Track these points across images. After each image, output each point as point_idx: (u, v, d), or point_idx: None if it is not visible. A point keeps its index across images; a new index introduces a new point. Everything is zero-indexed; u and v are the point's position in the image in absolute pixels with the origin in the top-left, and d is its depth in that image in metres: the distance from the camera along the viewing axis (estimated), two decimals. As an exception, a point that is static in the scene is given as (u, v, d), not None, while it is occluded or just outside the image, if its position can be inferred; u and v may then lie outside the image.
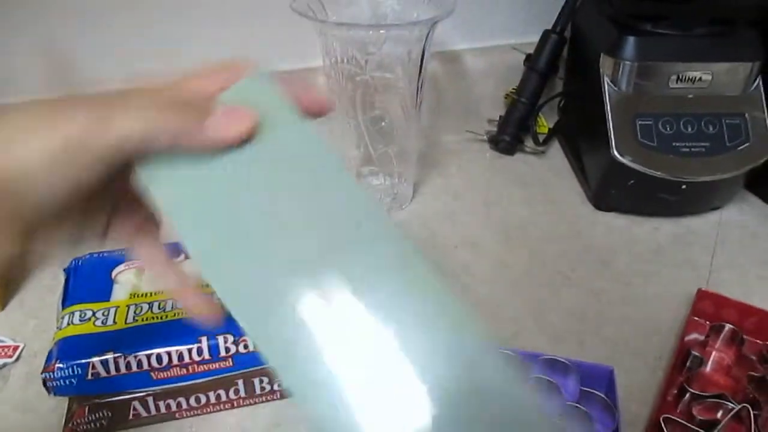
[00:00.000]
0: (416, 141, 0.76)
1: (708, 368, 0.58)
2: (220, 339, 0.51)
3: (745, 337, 0.57)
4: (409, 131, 0.73)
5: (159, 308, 0.54)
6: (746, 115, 0.71)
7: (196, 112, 0.31)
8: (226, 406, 0.54)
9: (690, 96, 0.71)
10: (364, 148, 0.75)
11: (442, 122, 0.91)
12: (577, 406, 0.50)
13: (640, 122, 0.70)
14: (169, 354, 0.50)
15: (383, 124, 0.75)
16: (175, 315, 0.53)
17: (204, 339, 0.50)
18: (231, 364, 0.51)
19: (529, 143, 0.89)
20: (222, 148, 0.32)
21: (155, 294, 0.55)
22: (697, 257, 0.71)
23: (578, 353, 0.58)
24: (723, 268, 0.70)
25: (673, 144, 0.70)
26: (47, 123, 0.29)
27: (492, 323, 0.61)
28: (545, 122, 0.91)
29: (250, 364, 0.52)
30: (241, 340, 0.51)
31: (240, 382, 0.53)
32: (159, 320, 0.52)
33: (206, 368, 0.51)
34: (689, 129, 0.70)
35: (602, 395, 0.51)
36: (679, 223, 0.76)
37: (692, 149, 0.70)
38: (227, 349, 0.51)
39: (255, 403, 0.54)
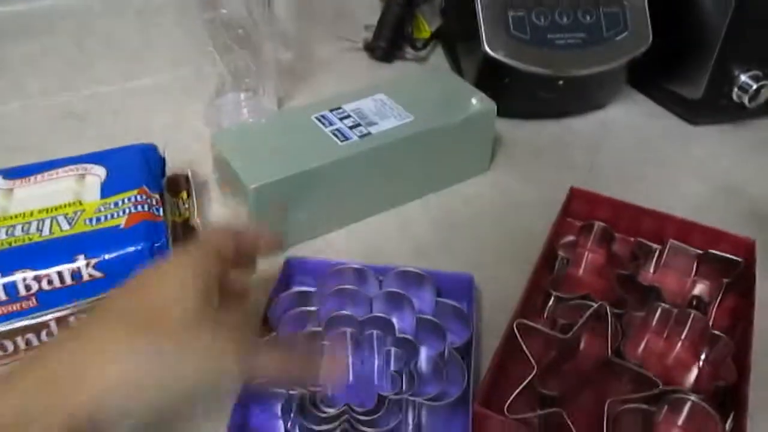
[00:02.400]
0: (273, 47, 0.68)
1: (580, 271, 0.55)
2: (18, 276, 0.43)
3: (616, 234, 0.54)
4: (261, 36, 0.65)
5: (-54, 248, 0.46)
6: (625, 2, 0.66)
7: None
8: (41, 352, 0.47)
9: (566, -17, 0.66)
10: (214, 58, 0.66)
11: (312, 30, 0.83)
12: (429, 319, 0.46)
13: (512, 14, 0.64)
14: (-45, 297, 0.43)
15: (239, 31, 0.67)
16: (-37, 253, 0.45)
17: (-2, 277, 0.43)
18: (35, 303, 0.44)
19: (409, 50, 0.82)
20: None
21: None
22: (578, 158, 0.67)
23: (448, 263, 0.54)
24: (604, 166, 0.66)
25: (548, 36, 0.65)
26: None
27: (358, 238, 0.56)
28: (427, 27, 0.85)
29: (59, 302, 0.45)
30: (44, 275, 0.44)
31: (52, 324, 0.45)
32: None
33: (6, 310, 0.44)
34: (564, 19, 0.65)
35: (456, 305, 0.47)
36: (561, 124, 0.72)
37: (568, 41, 0.65)
38: (28, 287, 0.44)
39: (75, 345, 0.47)
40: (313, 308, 0.47)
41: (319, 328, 0.46)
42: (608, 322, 0.44)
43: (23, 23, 0.70)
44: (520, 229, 0.58)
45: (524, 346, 0.43)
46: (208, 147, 0.65)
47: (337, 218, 0.57)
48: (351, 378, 0.45)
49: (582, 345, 0.47)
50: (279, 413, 0.42)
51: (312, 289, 0.49)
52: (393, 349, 0.45)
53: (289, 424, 0.42)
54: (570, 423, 0.40)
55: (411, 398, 0.41)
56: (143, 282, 0.35)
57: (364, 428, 0.40)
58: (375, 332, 0.46)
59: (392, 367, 0.45)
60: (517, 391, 0.41)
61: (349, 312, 0.47)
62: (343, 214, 0.57)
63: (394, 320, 0.46)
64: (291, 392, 0.41)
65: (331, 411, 0.41)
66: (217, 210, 0.59)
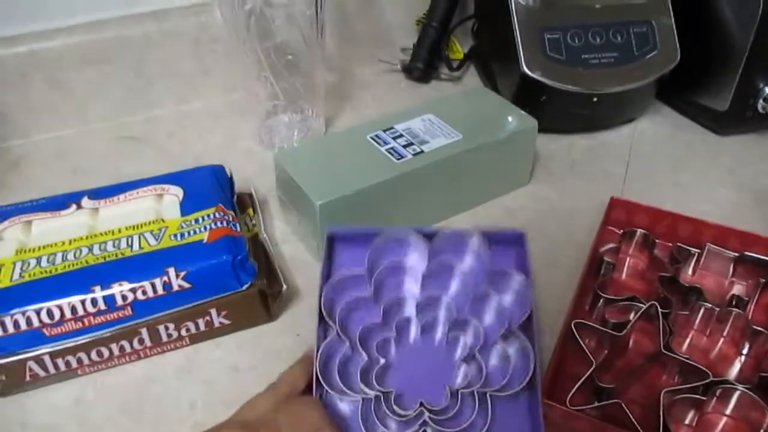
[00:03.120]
0: (323, 71, 0.72)
1: (622, 275, 0.58)
2: (115, 287, 0.48)
3: (656, 240, 0.58)
4: (313, 61, 0.70)
5: (48, 262, 0.50)
6: (653, 22, 0.71)
7: None
8: (132, 358, 0.51)
9: (597, 6, 0.70)
10: (269, 83, 0.71)
11: (353, 53, 0.88)
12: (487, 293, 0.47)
13: (548, 36, 0.69)
14: (60, 307, 0.47)
15: (289, 57, 0.71)
16: (65, 267, 0.49)
17: (97, 288, 0.47)
18: (131, 312, 0.48)
19: (444, 70, 0.87)
20: None
21: (44, 247, 0.52)
22: (612, 169, 0.71)
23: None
24: (636, 178, 0.70)
25: (582, 56, 0.69)
26: None
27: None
28: (459, 48, 0.89)
29: (152, 311, 0.49)
30: (138, 286, 0.48)
31: (144, 330, 0.50)
32: (48, 274, 0.49)
33: (104, 319, 0.48)
34: (597, 40, 0.69)
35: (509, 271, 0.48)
36: (594, 138, 0.76)
37: (601, 60, 0.69)
38: (124, 297, 0.48)
39: (163, 351, 0.51)
40: (366, 296, 0.47)
41: (378, 320, 0.46)
42: (659, 319, 0.48)
43: (86, 53, 0.75)
44: (561, 237, 0.62)
45: (583, 344, 0.47)
46: (263, 165, 0.69)
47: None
48: (418, 370, 0.46)
49: (631, 343, 0.51)
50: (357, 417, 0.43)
51: (360, 272, 0.48)
52: (458, 335, 0.47)
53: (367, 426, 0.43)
54: (630, 414, 0.43)
55: (481, 390, 0.43)
56: None
57: (442, 429, 0.42)
58: (435, 315, 0.47)
59: (457, 355, 0.46)
60: (578, 384, 0.44)
61: (405, 294, 0.48)
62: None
63: (451, 300, 0.47)
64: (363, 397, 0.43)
65: (409, 412, 0.42)
66: (280, 226, 0.64)
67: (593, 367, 0.46)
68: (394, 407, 0.43)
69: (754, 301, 0.54)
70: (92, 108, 0.78)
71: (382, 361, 0.46)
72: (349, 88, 0.85)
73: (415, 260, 0.50)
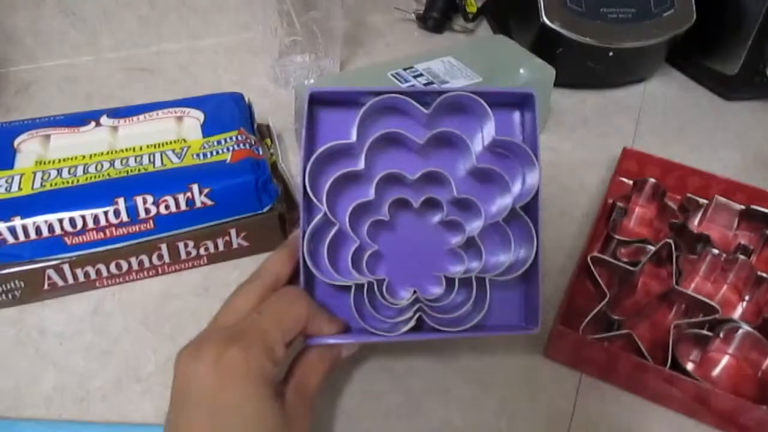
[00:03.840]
0: (340, 11, 0.72)
1: (632, 222, 0.60)
2: (139, 200, 0.48)
3: (666, 191, 0.59)
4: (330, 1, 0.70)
5: (69, 173, 0.50)
6: (672, -19, 0.71)
7: None
8: (150, 273, 0.51)
9: (618, -39, 0.71)
10: (287, 17, 0.71)
11: (368, 1, 0.87)
12: (489, 168, 0.41)
13: (569, -12, 0.69)
14: (83, 217, 0.47)
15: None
16: (87, 179, 0.49)
17: (121, 200, 0.47)
18: (152, 226, 0.49)
19: (458, 21, 0.87)
20: None
21: (64, 160, 0.51)
22: (622, 125, 0.72)
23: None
24: (645, 135, 0.71)
25: (601, 10, 0.69)
26: None
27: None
28: (473, 2, 0.89)
29: (173, 226, 0.49)
30: (162, 200, 0.48)
31: (163, 246, 0.50)
32: (69, 185, 0.49)
33: (125, 231, 0.48)
34: (617, -6, 0.70)
35: (514, 141, 0.41)
36: (605, 95, 0.77)
37: (619, 15, 0.70)
38: (147, 210, 0.48)
39: (181, 269, 0.52)
40: (358, 169, 0.40)
41: (369, 199, 0.40)
42: (672, 258, 0.49)
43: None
44: (573, 186, 0.63)
45: (597, 276, 0.48)
46: (277, 103, 0.70)
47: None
48: (413, 255, 0.42)
49: (639, 284, 0.52)
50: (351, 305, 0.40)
51: (348, 142, 0.40)
52: (455, 219, 0.41)
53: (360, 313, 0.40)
54: (640, 343, 0.45)
55: (480, 275, 0.40)
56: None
57: (436, 314, 0.39)
58: (433, 193, 0.41)
59: (456, 239, 0.42)
60: (593, 314, 0.46)
61: (400, 168, 0.40)
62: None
63: (451, 176, 0.40)
64: (357, 283, 0.39)
65: (403, 302, 0.40)
66: (296, 161, 0.64)
67: (607, 299, 0.47)
68: (387, 296, 0.40)
69: (759, 251, 0.56)
70: (104, 37, 0.77)
71: (375, 246, 0.41)
72: (363, 35, 0.85)
73: (412, 129, 0.41)
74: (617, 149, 0.63)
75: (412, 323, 0.39)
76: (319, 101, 0.41)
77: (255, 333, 0.35)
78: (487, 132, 0.42)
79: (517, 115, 0.44)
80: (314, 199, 0.40)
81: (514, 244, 0.41)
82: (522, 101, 0.44)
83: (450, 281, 0.41)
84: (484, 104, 0.40)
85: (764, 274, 0.51)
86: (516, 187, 0.42)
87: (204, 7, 0.79)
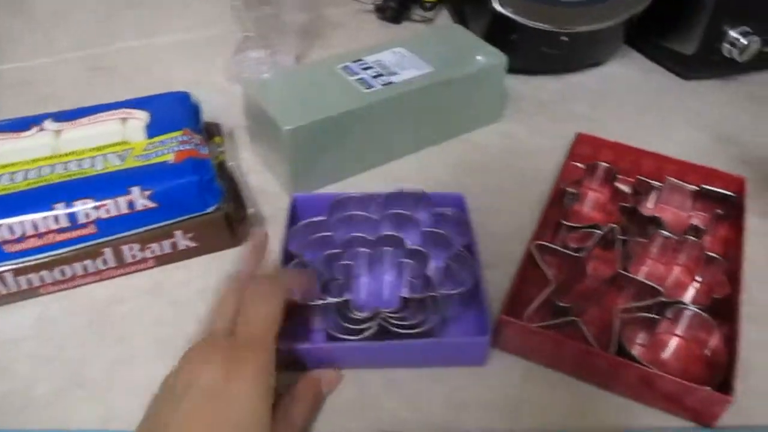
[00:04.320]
0: (293, 6, 0.71)
1: (585, 207, 0.59)
2: (79, 204, 0.47)
3: (618, 174, 0.59)
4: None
5: (9, 180, 0.49)
6: (625, -38, 0.71)
7: None
8: (96, 278, 0.51)
9: (570, -56, 0.70)
10: (239, 13, 0.70)
11: (325, -8, 0.87)
12: (434, 231, 0.52)
13: (520, -27, 0.68)
14: (22, 224, 0.46)
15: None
16: (28, 185, 0.49)
17: (60, 205, 0.47)
18: (94, 230, 0.48)
19: (417, 11, 0.86)
20: None
21: (4, 167, 0.51)
22: (580, 110, 0.72)
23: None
24: (604, 119, 0.71)
25: (554, -6, 0.69)
26: None
27: (380, 181, 0.61)
28: (433, -11, 0.88)
29: (116, 230, 0.49)
30: (102, 204, 0.48)
31: (108, 250, 0.50)
32: (9, 191, 0.48)
33: (66, 237, 0.48)
34: (569, -22, 0.69)
35: (453, 212, 0.53)
36: (564, 80, 0.76)
37: (572, -1, 0.69)
38: (87, 215, 0.48)
39: (128, 273, 0.51)
40: (329, 233, 0.51)
41: (338, 250, 0.50)
42: (616, 241, 0.49)
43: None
44: (529, 172, 0.63)
45: (541, 263, 0.48)
46: (231, 100, 0.69)
47: (362, 162, 0.61)
48: (375, 291, 0.51)
49: (589, 269, 0.52)
50: (320, 325, 0.47)
51: (322, 218, 0.52)
52: (406, 261, 0.50)
53: (327, 326, 0.46)
54: (585, 330, 0.45)
55: (431, 294, 0.46)
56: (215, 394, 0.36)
57: (396, 321, 0.45)
58: (388, 249, 0.51)
59: (408, 274, 0.50)
60: (537, 302, 0.46)
61: (362, 234, 0.51)
62: (368, 158, 0.61)
63: (403, 236, 0.51)
64: (324, 302, 0.46)
65: (365, 313, 0.45)
66: (248, 157, 0.63)
67: (552, 287, 0.47)
68: (353, 310, 0.46)
69: (712, 231, 0.56)
70: (59, 38, 0.76)
71: (341, 278, 0.49)
72: (321, 28, 0.84)
73: (370, 211, 0.54)
74: (573, 134, 0.63)
75: (374, 329, 0.45)
76: None
77: (256, 342, 0.38)
78: (428, 212, 0.54)
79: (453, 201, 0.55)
80: (293, 251, 0.49)
81: (458, 271, 0.49)
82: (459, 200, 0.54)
83: (406, 301, 0.47)
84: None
85: (714, 255, 0.51)
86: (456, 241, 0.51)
87: (160, 4, 0.78)
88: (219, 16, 0.71)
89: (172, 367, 0.37)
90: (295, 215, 0.54)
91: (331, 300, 0.46)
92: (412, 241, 0.52)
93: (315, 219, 0.53)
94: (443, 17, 0.88)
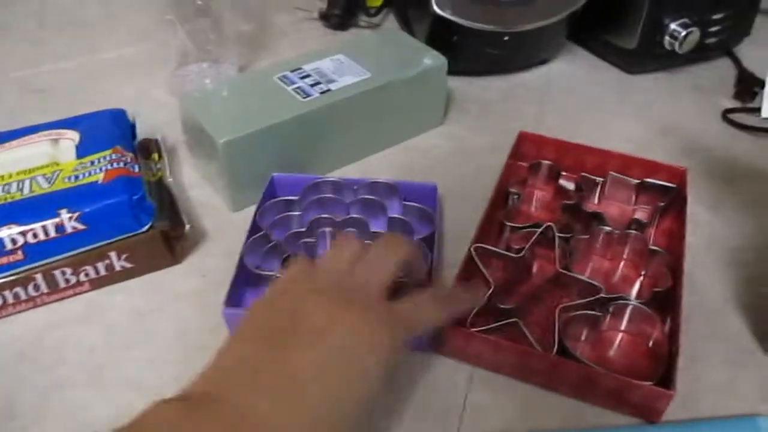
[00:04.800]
0: (233, 17, 0.70)
1: (530, 206, 0.59)
2: (4, 230, 0.46)
3: (561, 172, 0.59)
4: (219, 6, 0.68)
5: (-70, 209, 0.48)
6: (563, -41, 0.71)
7: None
8: (29, 305, 0.49)
9: (507, -56, 0.70)
10: (173, 26, 0.69)
11: (269, 2, 0.86)
12: (398, 218, 0.53)
13: (458, -26, 0.68)
14: (-57, 254, 0.45)
15: (199, 2, 0.69)
16: (-51, 213, 0.47)
17: (-17, 233, 0.45)
18: (22, 256, 0.47)
19: (362, 17, 0.86)
20: None
21: (-73, 196, 0.49)
22: (527, 109, 0.72)
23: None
24: (551, 117, 0.71)
25: (492, -6, 0.69)
26: None
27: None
28: (378, -6, 0.88)
29: (46, 255, 0.48)
30: (29, 229, 0.46)
31: (39, 276, 0.48)
32: (-71, 221, 0.47)
33: (-7, 265, 0.46)
34: (507, -23, 0.69)
35: (422, 206, 0.53)
36: (509, 80, 0.76)
37: (511, -2, 0.69)
38: (14, 241, 0.46)
39: (62, 298, 0.50)
40: (296, 213, 0.53)
41: (303, 229, 0.52)
42: (555, 240, 0.49)
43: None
44: (475, 173, 0.62)
45: (481, 267, 0.47)
46: (174, 115, 0.67)
47: (304, 172, 0.60)
48: None
49: (534, 268, 0.52)
50: None
51: (295, 198, 0.54)
52: (368, 243, 0.49)
53: None
54: (526, 330, 0.44)
55: None
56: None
57: None
58: (351, 230, 0.52)
59: None
60: (477, 305, 0.45)
61: (329, 215, 0.53)
62: (309, 168, 0.60)
63: (369, 221, 0.52)
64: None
65: None
66: (188, 171, 0.62)
67: (491, 289, 0.46)
68: None
69: (655, 225, 0.56)
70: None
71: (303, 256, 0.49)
72: (266, 37, 0.83)
73: (342, 196, 0.55)
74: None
75: None
76: None
77: (376, 292, 0.37)
78: (399, 202, 0.55)
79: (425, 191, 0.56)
80: (261, 225, 0.51)
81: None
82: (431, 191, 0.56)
83: None
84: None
85: (656, 248, 0.51)
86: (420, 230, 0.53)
87: (95, 20, 0.77)
88: (155, 30, 0.69)
89: (285, 289, 0.37)
90: (273, 195, 0.56)
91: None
92: (377, 226, 0.53)
93: (287, 197, 0.55)
94: (390, 22, 0.88)
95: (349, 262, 0.39)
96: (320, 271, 0.38)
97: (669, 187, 0.57)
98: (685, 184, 0.56)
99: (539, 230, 0.50)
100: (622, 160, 0.59)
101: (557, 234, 0.49)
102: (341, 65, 0.62)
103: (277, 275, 0.47)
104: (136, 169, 0.52)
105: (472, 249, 0.48)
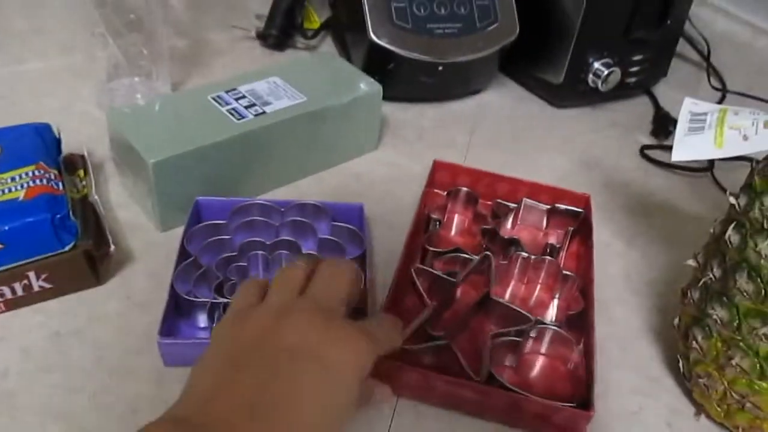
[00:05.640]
0: (166, 32, 0.69)
1: (451, 231, 0.61)
2: None
3: (479, 200, 0.61)
4: (155, 21, 0.67)
5: None
6: (495, -4, 0.74)
7: None
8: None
9: (443, -22, 0.72)
10: (107, 42, 0.67)
11: (205, 18, 0.85)
12: (329, 239, 0.53)
13: (395, 5, 0.70)
14: None
15: (132, 16, 0.68)
16: None
17: None
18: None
19: (300, 38, 0.86)
20: None
21: None
22: (458, 137, 0.74)
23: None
24: (480, 146, 0.73)
25: (427, 26, 0.71)
26: None
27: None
28: (316, 17, 0.89)
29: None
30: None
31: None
32: None
33: None
34: (442, 11, 0.72)
35: (350, 227, 0.54)
36: (442, 108, 0.79)
37: (445, 30, 0.71)
38: None
39: (-26, 318, 0.48)
40: (226, 237, 0.53)
41: (234, 253, 0.52)
42: (490, 268, 0.50)
43: None
44: (406, 198, 0.63)
45: (421, 288, 0.49)
46: (102, 129, 0.66)
47: (235, 194, 0.59)
48: None
49: (458, 294, 0.53)
50: (205, 324, 0.49)
51: (223, 222, 0.54)
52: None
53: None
54: (459, 355, 0.45)
55: None
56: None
57: None
58: (283, 253, 0.53)
59: None
60: (412, 327, 0.45)
61: (259, 239, 0.53)
62: (241, 190, 0.59)
63: (299, 242, 0.53)
64: (214, 302, 0.47)
65: None
66: (115, 188, 0.61)
67: (425, 314, 0.47)
68: None
69: (565, 248, 0.58)
70: None
71: (235, 279, 0.51)
72: (201, 55, 0.82)
73: (270, 219, 0.55)
74: (452, 160, 0.64)
75: None
76: None
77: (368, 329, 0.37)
78: (327, 223, 0.56)
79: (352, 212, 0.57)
80: (190, 251, 0.51)
81: None
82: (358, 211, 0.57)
83: None
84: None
85: (568, 273, 0.53)
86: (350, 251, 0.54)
87: (21, 30, 0.74)
88: (85, 43, 0.68)
89: (244, 316, 0.36)
90: (199, 220, 0.55)
91: (222, 300, 0.47)
92: (308, 248, 0.54)
93: (215, 222, 0.54)
94: (327, 45, 0.89)
95: (302, 282, 0.38)
96: (274, 293, 0.38)
97: (576, 211, 0.59)
98: (590, 209, 0.59)
99: (469, 258, 0.52)
100: (531, 187, 0.61)
101: (493, 261, 0.51)
102: (277, 88, 0.62)
103: (228, 299, 0.47)
104: (60, 187, 0.50)
105: (412, 270, 0.49)
